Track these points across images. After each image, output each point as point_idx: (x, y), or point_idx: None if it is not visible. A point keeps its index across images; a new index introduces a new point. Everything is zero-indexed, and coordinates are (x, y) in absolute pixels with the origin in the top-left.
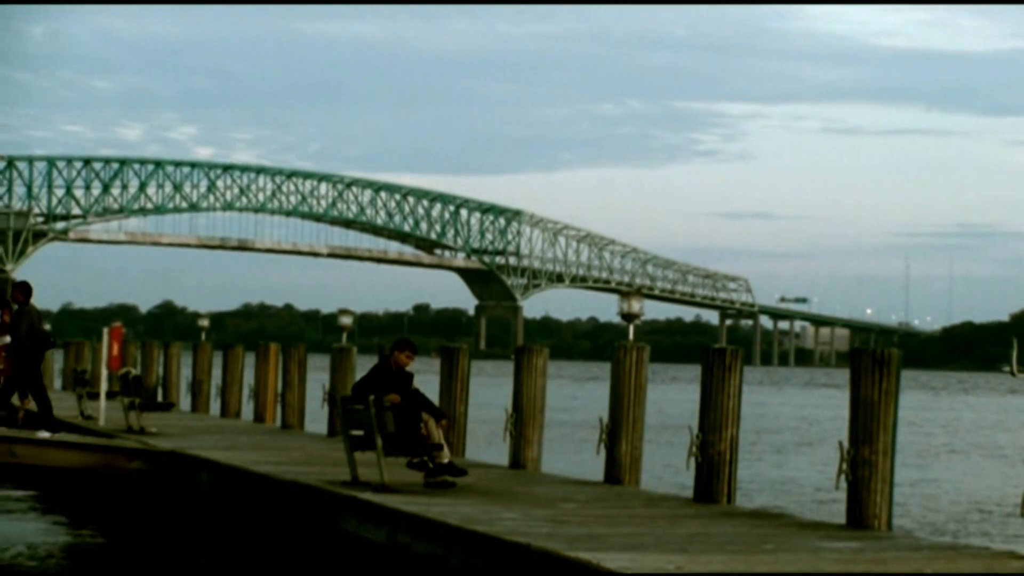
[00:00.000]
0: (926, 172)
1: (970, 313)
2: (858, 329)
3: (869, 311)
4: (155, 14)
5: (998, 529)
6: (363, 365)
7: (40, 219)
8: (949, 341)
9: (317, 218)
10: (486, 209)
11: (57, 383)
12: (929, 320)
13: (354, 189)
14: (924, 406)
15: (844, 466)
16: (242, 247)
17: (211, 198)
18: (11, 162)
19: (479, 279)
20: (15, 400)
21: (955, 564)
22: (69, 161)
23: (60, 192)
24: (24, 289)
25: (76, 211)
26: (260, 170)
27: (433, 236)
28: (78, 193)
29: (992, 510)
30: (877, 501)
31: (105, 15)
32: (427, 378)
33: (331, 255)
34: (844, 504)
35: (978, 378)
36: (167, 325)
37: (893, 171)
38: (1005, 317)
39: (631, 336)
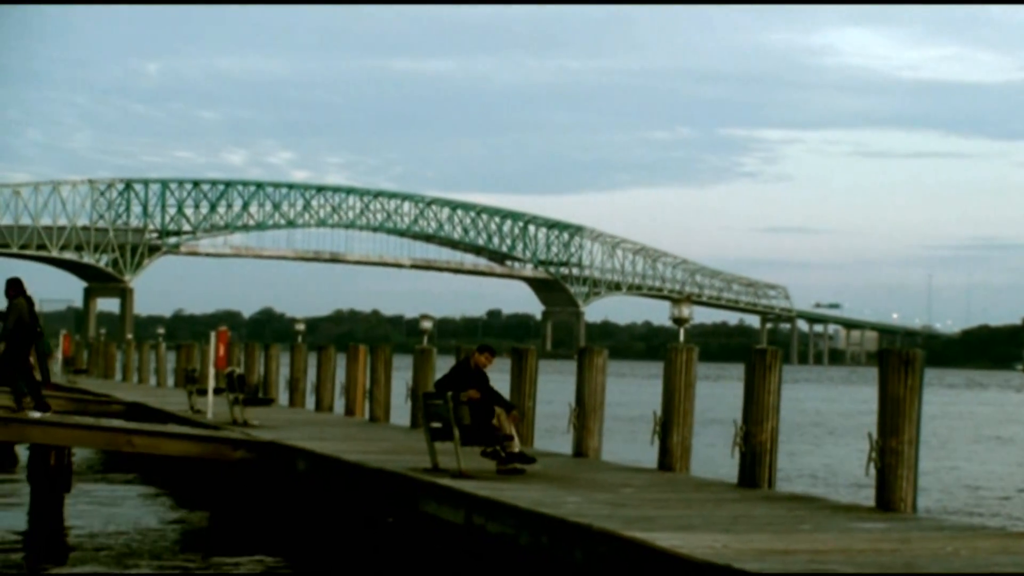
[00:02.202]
0: (945, 191)
1: (986, 317)
2: (885, 332)
3: (895, 315)
4: (256, 52)
5: (1017, 511)
6: (441, 365)
7: (155, 235)
8: (967, 342)
9: (401, 233)
10: (551, 225)
11: (169, 381)
12: (949, 323)
13: (434, 207)
14: (945, 401)
15: (873, 455)
16: (334, 259)
17: (306, 216)
18: (129, 184)
19: (545, 287)
20: None
21: (974, 543)
22: (180, 183)
23: (172, 211)
24: (14, 285)
25: (187, 228)
26: (350, 191)
27: (504, 249)
28: (188, 212)
29: (1010, 495)
30: (903, 486)
31: (212, 54)
32: (499, 376)
33: (413, 266)
34: (873, 489)
35: (994, 376)
36: (267, 329)
37: (916, 190)
38: (1018, 320)
39: (681, 338)
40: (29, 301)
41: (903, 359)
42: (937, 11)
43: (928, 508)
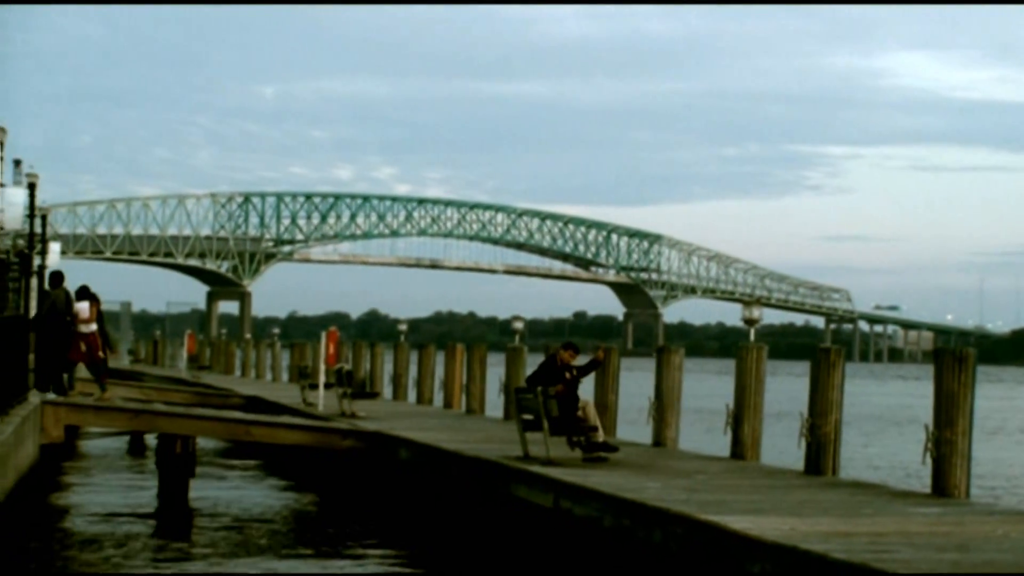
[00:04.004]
0: (995, 202)
1: None
2: (940, 332)
3: (949, 317)
4: (362, 76)
5: None
6: (531, 362)
7: (271, 243)
8: (1017, 342)
9: (495, 242)
10: (632, 234)
11: (284, 376)
12: (1000, 324)
13: (524, 218)
14: (996, 396)
15: (929, 445)
16: (434, 266)
17: (408, 226)
18: (248, 197)
19: (627, 291)
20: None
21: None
22: (294, 196)
23: (287, 221)
24: (56, 277)
25: (300, 237)
26: (448, 203)
27: (589, 256)
28: (301, 222)
29: None
30: (957, 474)
31: (322, 78)
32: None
33: (506, 272)
34: (930, 476)
35: None
36: (373, 329)
37: (967, 201)
38: None
39: (752, 338)
40: (67, 293)
41: (957, 357)
42: (987, 37)
43: (980, 494)
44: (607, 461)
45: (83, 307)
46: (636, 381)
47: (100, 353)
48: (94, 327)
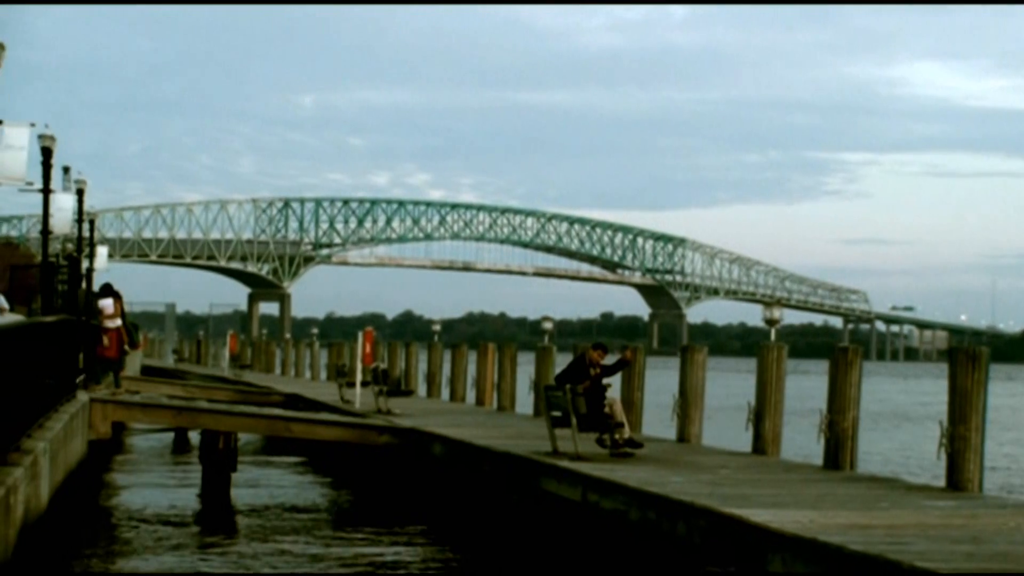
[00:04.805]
0: (1007, 206)
1: None
2: (954, 331)
3: (963, 317)
4: (398, 86)
5: None
6: (560, 361)
7: (309, 247)
8: None
9: (525, 245)
10: (657, 237)
11: (322, 375)
12: (1011, 324)
13: (554, 222)
14: (1008, 393)
15: (944, 440)
16: (466, 268)
17: (442, 230)
18: (288, 203)
19: (652, 293)
20: None
21: None
22: (332, 201)
23: (325, 226)
24: (105, 288)
25: (337, 240)
26: (480, 208)
27: (616, 259)
28: (339, 226)
29: None
30: (970, 468)
31: (359, 88)
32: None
33: (536, 274)
34: (944, 470)
35: None
36: (408, 329)
37: (981, 206)
38: None
39: (772, 337)
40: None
41: (970, 356)
42: (999, 47)
43: (993, 489)
44: (633, 456)
45: (107, 304)
46: (661, 379)
47: (125, 347)
48: (118, 322)
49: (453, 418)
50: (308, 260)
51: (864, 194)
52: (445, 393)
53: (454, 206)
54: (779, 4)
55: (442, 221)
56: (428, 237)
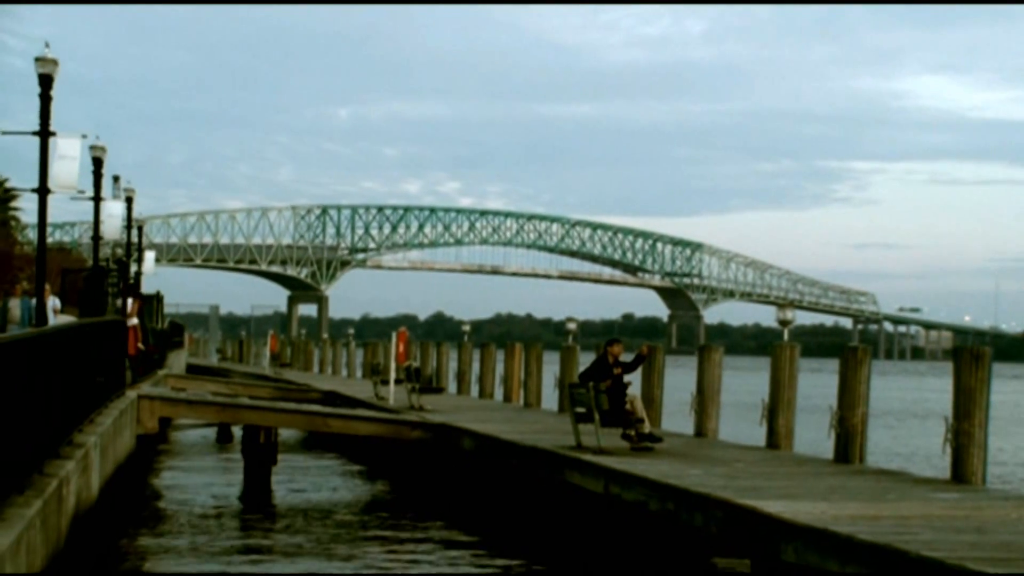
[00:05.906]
0: (1009, 212)
1: None
2: (959, 332)
3: (967, 318)
4: (429, 98)
5: None
6: (583, 359)
7: (346, 251)
8: None
9: (550, 250)
10: (676, 242)
11: (358, 373)
12: (1013, 324)
13: (577, 228)
14: (1010, 390)
15: (948, 435)
16: (495, 271)
17: (471, 235)
18: (325, 210)
19: (671, 295)
20: None
21: None
22: (367, 208)
23: (360, 231)
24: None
25: (372, 245)
26: (507, 215)
27: (636, 263)
28: (373, 232)
29: None
30: (974, 462)
31: (392, 101)
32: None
33: (560, 277)
34: (949, 464)
35: None
36: (439, 330)
37: (984, 212)
38: None
39: (785, 337)
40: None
41: (974, 355)
42: (1002, 61)
43: (996, 482)
44: (653, 450)
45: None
46: (679, 377)
47: (140, 345)
48: (135, 321)
49: (482, 414)
50: (344, 264)
51: (873, 201)
52: (474, 390)
53: (483, 213)
54: (787, 3)
55: (471, 227)
56: (458, 242)
